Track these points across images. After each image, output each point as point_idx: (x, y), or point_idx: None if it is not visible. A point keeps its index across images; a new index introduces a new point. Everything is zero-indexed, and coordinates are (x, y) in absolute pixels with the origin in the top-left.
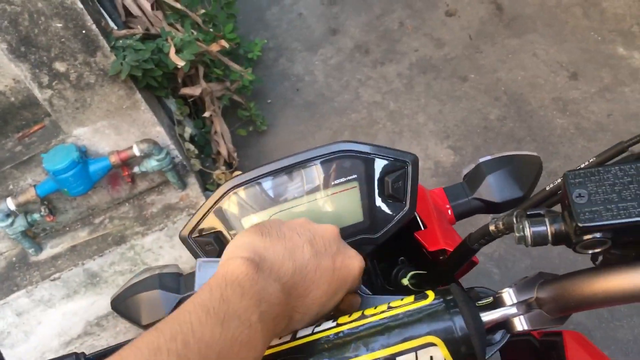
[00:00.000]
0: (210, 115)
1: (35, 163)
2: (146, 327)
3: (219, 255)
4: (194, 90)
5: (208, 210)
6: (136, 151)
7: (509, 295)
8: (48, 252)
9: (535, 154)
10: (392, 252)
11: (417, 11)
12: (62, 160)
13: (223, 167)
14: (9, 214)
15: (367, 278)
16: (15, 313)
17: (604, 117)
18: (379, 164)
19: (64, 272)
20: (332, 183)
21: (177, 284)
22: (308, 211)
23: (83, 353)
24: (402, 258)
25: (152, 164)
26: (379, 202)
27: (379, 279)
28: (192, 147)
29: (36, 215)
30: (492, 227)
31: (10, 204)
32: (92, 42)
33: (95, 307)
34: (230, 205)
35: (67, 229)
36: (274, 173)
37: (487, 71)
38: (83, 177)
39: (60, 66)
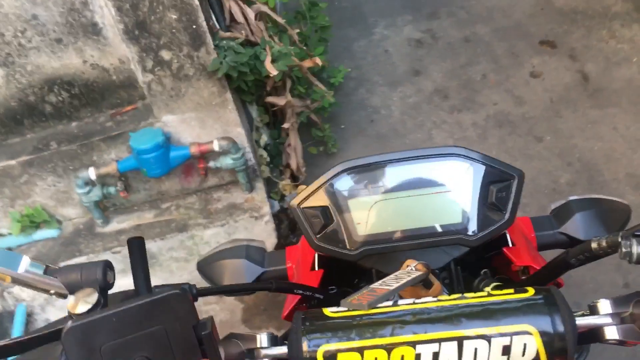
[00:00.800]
0: (288, 128)
1: (122, 140)
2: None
3: (323, 227)
4: (279, 100)
5: (320, 186)
6: (216, 146)
7: (604, 305)
8: (114, 226)
9: (625, 202)
10: (475, 264)
11: (502, 67)
12: (148, 141)
13: (289, 180)
14: (87, 183)
15: (449, 283)
16: None
17: None
18: (487, 172)
19: (125, 248)
20: (439, 182)
21: (262, 258)
22: (410, 204)
23: (195, 285)
24: (485, 270)
25: (227, 161)
26: (480, 208)
27: (460, 286)
28: (264, 154)
29: (112, 189)
30: (594, 245)
31: (92, 173)
32: (199, 37)
33: None
34: (341, 184)
35: (136, 208)
36: (388, 163)
37: (563, 136)
38: (163, 161)
39: (165, 54)
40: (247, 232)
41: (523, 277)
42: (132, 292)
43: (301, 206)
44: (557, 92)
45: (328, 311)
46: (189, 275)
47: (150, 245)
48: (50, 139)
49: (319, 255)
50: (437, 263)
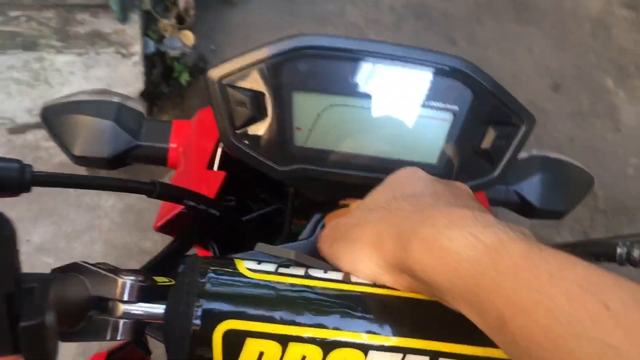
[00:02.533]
0: None
1: None
2: (76, 158)
3: (249, 121)
4: None
5: (258, 62)
6: None
7: None
8: None
9: (590, 174)
10: None
11: None
12: None
13: (174, 20)
14: None
15: None
16: None
17: (566, 140)
18: (491, 106)
19: None
20: (426, 102)
21: (138, 126)
22: (376, 122)
23: (30, 166)
24: None
25: None
26: (467, 152)
27: None
28: None
29: None
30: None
31: None
32: None
33: None
34: (289, 67)
35: None
36: (364, 54)
37: (478, 45)
38: None
39: None
40: (109, 69)
41: None
42: None
43: (224, 81)
44: None
45: (242, 265)
46: (30, 103)
47: None
48: None
49: (223, 151)
50: None
